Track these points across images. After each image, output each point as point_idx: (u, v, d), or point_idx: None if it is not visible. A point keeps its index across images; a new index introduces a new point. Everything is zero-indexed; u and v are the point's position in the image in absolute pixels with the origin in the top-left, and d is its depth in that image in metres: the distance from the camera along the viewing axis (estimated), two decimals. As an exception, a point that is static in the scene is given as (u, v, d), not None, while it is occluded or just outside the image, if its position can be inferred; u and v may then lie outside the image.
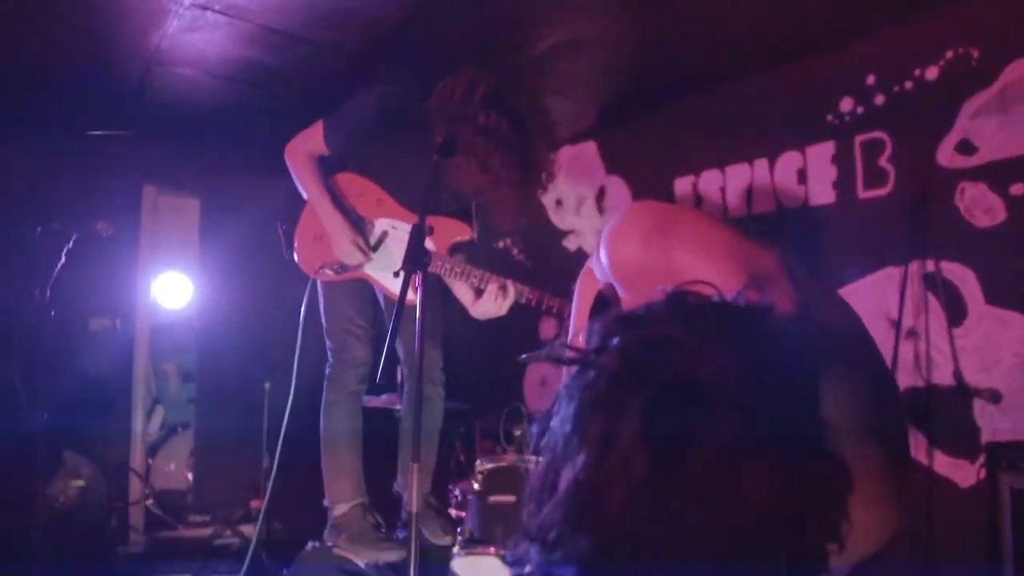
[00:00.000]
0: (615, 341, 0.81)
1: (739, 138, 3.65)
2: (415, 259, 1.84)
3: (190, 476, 4.86)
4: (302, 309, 2.65)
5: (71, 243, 3.04)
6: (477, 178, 2.53)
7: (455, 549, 2.39)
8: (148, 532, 4.55)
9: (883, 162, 3.10)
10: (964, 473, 2.74)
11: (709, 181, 3.81)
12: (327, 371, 2.84)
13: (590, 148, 4.55)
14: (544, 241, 4.65)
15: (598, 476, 0.76)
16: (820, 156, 3.32)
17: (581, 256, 4.56)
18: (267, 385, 4.58)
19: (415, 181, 2.56)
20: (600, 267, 1.32)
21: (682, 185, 3.95)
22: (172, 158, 4.56)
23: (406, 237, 2.59)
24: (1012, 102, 2.73)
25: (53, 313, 3.09)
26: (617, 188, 4.37)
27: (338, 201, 2.68)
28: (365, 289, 2.81)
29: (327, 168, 2.75)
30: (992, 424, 2.69)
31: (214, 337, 4.86)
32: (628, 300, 1.26)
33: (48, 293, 3.03)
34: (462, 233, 2.73)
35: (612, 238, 1.25)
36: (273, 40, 3.11)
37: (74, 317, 4.08)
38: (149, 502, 4.60)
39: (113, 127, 4.00)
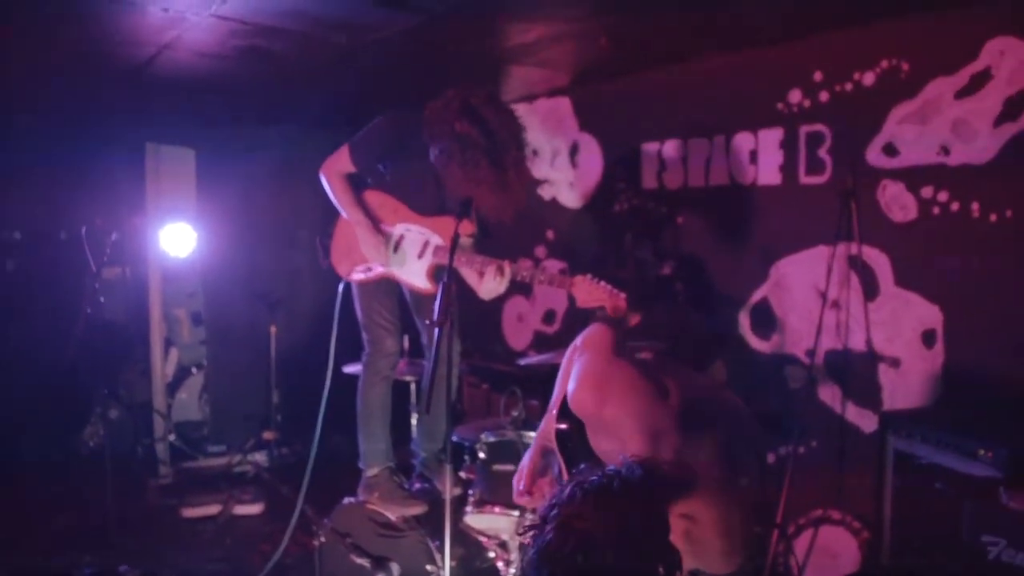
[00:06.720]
0: (554, 512, 1.53)
1: (701, 114, 4.05)
2: (444, 313, 2.26)
3: (207, 410, 5.37)
4: (336, 308, 3.10)
5: (113, 237, 3.39)
6: (460, 180, 2.88)
7: (468, 507, 2.96)
8: (174, 464, 5.07)
9: (823, 153, 3.55)
10: (868, 422, 3.40)
11: (672, 149, 4.23)
12: (363, 358, 3.27)
13: (564, 104, 4.88)
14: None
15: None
16: (770, 140, 3.75)
17: (555, 205, 4.99)
18: (273, 328, 5.08)
19: (423, 190, 3.07)
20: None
21: (648, 149, 4.36)
22: (168, 118, 4.82)
23: (418, 237, 3.08)
24: (929, 116, 3.17)
25: (103, 299, 3.46)
26: (589, 146, 4.75)
27: (367, 211, 3.07)
28: (392, 286, 3.22)
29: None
30: (891, 384, 3.33)
31: (219, 282, 5.28)
32: (592, 437, 2.04)
33: (96, 284, 3.39)
34: (465, 229, 3.06)
35: (574, 388, 2.06)
36: (270, 33, 3.38)
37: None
38: (172, 437, 5.10)
39: (116, 98, 4.22)
